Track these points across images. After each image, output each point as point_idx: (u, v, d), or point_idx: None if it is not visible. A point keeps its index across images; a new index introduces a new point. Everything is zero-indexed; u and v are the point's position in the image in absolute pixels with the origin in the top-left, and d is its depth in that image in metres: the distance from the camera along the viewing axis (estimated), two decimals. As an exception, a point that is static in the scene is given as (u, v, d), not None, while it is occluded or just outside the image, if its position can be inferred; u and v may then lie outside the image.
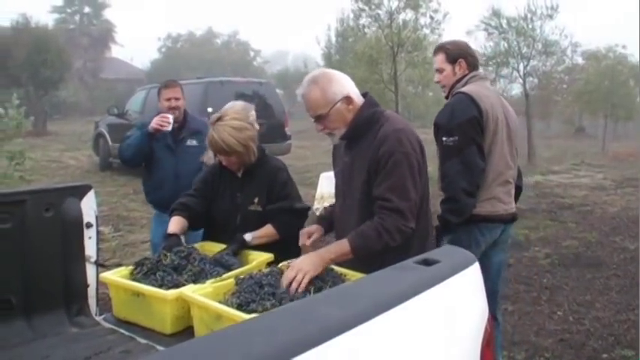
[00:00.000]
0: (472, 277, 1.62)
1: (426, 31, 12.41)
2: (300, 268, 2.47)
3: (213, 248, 3.09)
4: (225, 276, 2.75)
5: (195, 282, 2.73)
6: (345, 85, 2.69)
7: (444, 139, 3.35)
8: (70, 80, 31.34)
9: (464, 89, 3.45)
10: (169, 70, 36.58)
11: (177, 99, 4.57)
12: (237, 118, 3.10)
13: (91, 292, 2.97)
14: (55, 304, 2.83)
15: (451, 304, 1.52)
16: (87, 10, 41.90)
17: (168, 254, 2.92)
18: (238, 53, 49.56)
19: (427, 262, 1.56)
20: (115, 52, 45.88)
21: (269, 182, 3.13)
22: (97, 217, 2.98)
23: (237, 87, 12.30)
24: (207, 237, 3.35)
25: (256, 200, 3.15)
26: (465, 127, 3.30)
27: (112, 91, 36.19)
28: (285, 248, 2.98)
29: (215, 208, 3.25)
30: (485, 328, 1.63)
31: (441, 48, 3.64)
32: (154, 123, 4.42)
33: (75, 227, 2.87)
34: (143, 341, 2.63)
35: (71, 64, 27.59)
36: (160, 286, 2.72)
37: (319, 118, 2.69)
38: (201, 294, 2.57)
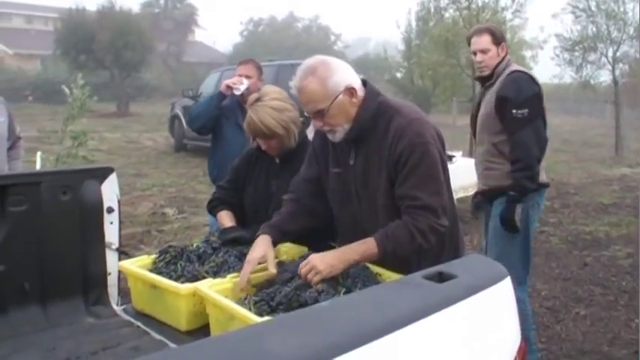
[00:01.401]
0: (500, 296, 1.30)
1: (507, 13, 11.78)
2: (314, 266, 2.22)
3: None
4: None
5: (215, 275, 2.52)
6: (346, 75, 2.35)
7: (513, 111, 3.56)
8: (153, 63, 32.02)
9: (520, 69, 3.74)
10: (250, 53, 36.74)
11: (248, 77, 4.34)
12: (277, 98, 2.85)
13: (112, 280, 2.81)
14: (72, 292, 2.68)
15: (466, 332, 1.20)
16: (172, -6, 42.67)
17: (194, 242, 2.73)
18: (319, 38, 49.40)
19: (441, 278, 1.26)
20: (198, 35, 46.67)
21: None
22: (119, 202, 2.81)
23: (309, 70, 12.03)
24: (242, 225, 3.12)
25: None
26: (533, 101, 3.58)
27: (194, 74, 36.78)
28: (322, 239, 2.70)
29: (247, 195, 3.02)
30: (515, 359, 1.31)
31: (487, 29, 3.78)
32: (227, 80, 4.26)
33: (94, 212, 2.71)
34: (157, 337, 2.44)
35: (153, 47, 28.11)
36: (179, 278, 2.51)
37: (319, 114, 2.35)
38: (218, 290, 2.35)
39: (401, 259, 2.36)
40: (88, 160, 7.21)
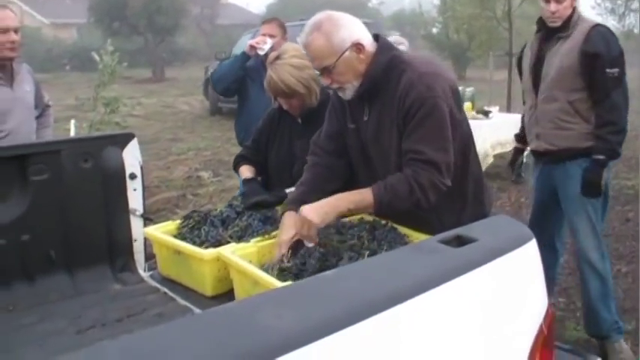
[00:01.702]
0: (525, 260, 1.21)
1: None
2: (305, 218, 2.20)
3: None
4: (273, 234, 2.46)
5: (240, 239, 2.48)
6: (354, 31, 2.26)
7: (607, 70, 3.35)
8: (187, 27, 31.96)
9: (600, 23, 3.58)
10: (284, 14, 36.39)
11: (271, 35, 4.23)
12: (297, 55, 2.76)
13: (138, 247, 2.79)
14: (98, 259, 2.67)
15: (486, 300, 1.12)
16: (203, -44, 42.28)
17: (218, 207, 2.69)
18: (353, -5, 48.53)
19: (460, 241, 1.17)
20: (231, -2, 46.33)
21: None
22: (142, 168, 2.77)
23: (341, 28, 11.81)
24: (265, 188, 3.08)
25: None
26: (621, 60, 3.40)
27: (229, 37, 36.60)
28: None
29: (271, 156, 2.96)
30: (541, 326, 1.22)
31: None
32: (251, 41, 4.19)
33: (117, 178, 2.68)
34: (182, 303, 2.43)
35: (186, 11, 28.04)
36: (202, 243, 2.48)
37: (326, 71, 2.28)
38: (242, 254, 2.31)
39: (419, 218, 2.31)
40: (121, 127, 7.24)
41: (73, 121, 6.55)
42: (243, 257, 2.30)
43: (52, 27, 35.38)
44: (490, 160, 7.47)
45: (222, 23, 40.60)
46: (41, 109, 4.10)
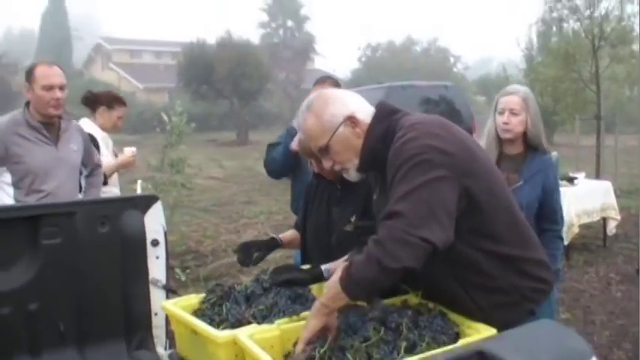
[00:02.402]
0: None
1: (634, 20, 10.75)
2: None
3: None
4: (302, 315, 2.15)
5: (264, 319, 2.17)
6: (346, 104, 2.09)
7: None
8: (273, 92, 32.68)
9: None
10: (369, 79, 36.77)
11: None
12: None
13: (159, 321, 2.53)
14: (113, 334, 2.42)
15: None
16: (290, 24, 43.54)
17: (245, 281, 2.39)
18: (438, 60, 48.57)
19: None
20: (318, 63, 47.25)
21: (367, 194, 2.43)
22: (165, 234, 2.53)
23: (420, 91, 11.53)
24: (304, 258, 2.79)
25: (353, 218, 2.50)
26: None
27: (313, 102, 37.10)
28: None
29: (309, 224, 2.68)
30: None
31: None
32: (295, 144, 4.01)
33: (137, 245, 2.45)
34: (196, 391, 2.12)
35: (272, 76, 28.74)
36: (222, 322, 2.19)
37: (323, 152, 2.11)
38: (261, 338, 2.00)
39: (450, 295, 2.05)
40: (185, 188, 7.17)
41: (139, 182, 6.51)
42: (263, 342, 1.99)
43: (145, 91, 37.09)
44: (575, 230, 6.90)
45: (307, 87, 41.28)
46: (91, 168, 3.99)
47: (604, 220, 7.67)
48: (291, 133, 4.27)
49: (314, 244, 2.66)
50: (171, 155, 6.92)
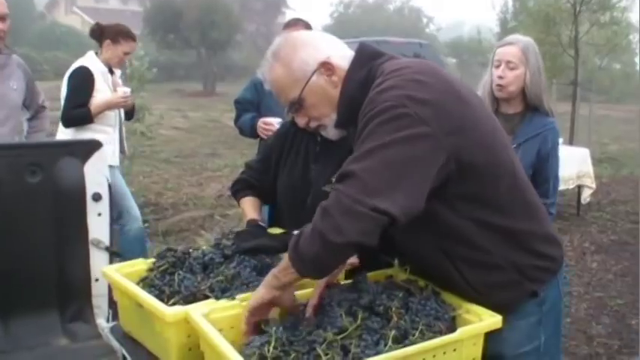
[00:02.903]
0: None
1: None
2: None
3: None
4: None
5: (223, 293, 1.81)
6: (319, 48, 1.77)
7: None
8: (243, 44, 31.90)
9: None
10: (341, 35, 36.05)
11: None
12: None
13: (100, 289, 2.15)
14: (43, 304, 2.05)
15: None
16: (265, -25, 42.41)
17: (202, 245, 2.03)
18: (411, 20, 48.02)
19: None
20: (289, 17, 46.29)
21: (352, 150, 2.05)
22: (109, 186, 2.13)
23: (394, 47, 11.18)
24: (274, 219, 2.42)
25: (334, 178, 2.13)
26: None
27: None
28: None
29: (281, 180, 2.30)
30: None
31: None
32: (260, 131, 3.80)
33: (74, 199, 2.05)
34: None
35: (241, 27, 27.94)
36: (173, 295, 1.83)
37: (295, 107, 1.79)
38: (219, 318, 1.66)
39: (439, 270, 1.73)
40: (146, 137, 6.71)
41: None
42: (221, 322, 1.65)
43: (109, 37, 35.76)
44: (550, 196, 6.67)
45: (277, 41, 40.54)
46: (34, 110, 3.56)
47: (578, 188, 7.48)
48: (256, 87, 3.90)
49: (286, 205, 2.29)
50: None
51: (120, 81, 4.42)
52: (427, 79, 1.60)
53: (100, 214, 2.13)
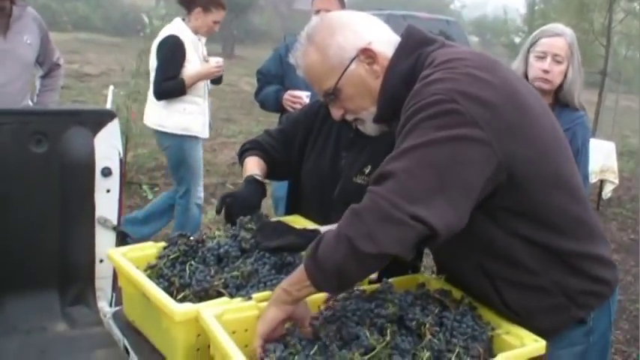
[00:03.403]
0: None
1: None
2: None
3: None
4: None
5: (238, 290, 1.65)
6: (359, 32, 1.57)
7: None
8: (264, 8, 31.50)
9: None
10: (366, 4, 35.70)
11: (327, 10, 3.41)
12: None
13: (104, 271, 2.00)
14: (42, 283, 1.90)
15: None
16: (289, -62, 41.75)
17: (218, 233, 1.85)
18: (436, -6, 47.31)
19: None
20: (313, -17, 45.66)
21: (392, 140, 1.85)
22: (121, 161, 1.96)
23: (421, 23, 10.94)
24: (295, 205, 2.23)
25: (368, 169, 1.94)
26: None
27: (305, 22, 35.97)
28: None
29: (307, 166, 2.11)
30: None
31: None
32: (285, 103, 3.61)
33: (82, 172, 1.89)
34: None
35: (263, -10, 27.52)
36: (184, 287, 1.68)
37: (330, 98, 1.61)
38: (232, 319, 1.50)
39: (474, 287, 1.56)
40: (161, 99, 6.51)
41: (111, 87, 5.87)
42: (235, 324, 1.49)
43: (131, -8, 35.40)
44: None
45: (300, 8, 40.02)
46: (48, 67, 3.38)
47: (600, 182, 7.27)
48: (281, 60, 3.71)
49: (311, 192, 2.10)
50: (149, 62, 6.22)
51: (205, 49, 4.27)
52: (485, 75, 1.40)
53: (108, 191, 1.96)
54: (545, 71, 2.58)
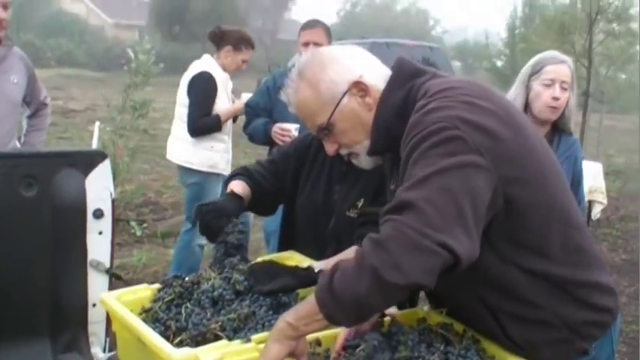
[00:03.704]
0: None
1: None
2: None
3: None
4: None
5: (235, 333, 1.61)
6: (349, 66, 1.57)
7: None
8: (248, 39, 31.75)
9: None
10: (346, 34, 36.12)
11: (316, 44, 3.42)
12: None
13: (97, 315, 1.95)
14: (34, 330, 1.84)
15: None
16: (269, -30, 42.23)
17: (212, 276, 1.81)
18: (417, 21, 47.91)
19: None
20: (295, 14, 46.11)
21: (382, 172, 1.83)
22: (113, 202, 1.93)
23: (404, 50, 10.99)
24: (285, 243, 2.21)
25: (360, 202, 1.92)
26: None
27: (289, 52, 36.36)
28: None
29: (300, 201, 2.09)
30: None
31: None
32: (274, 136, 3.55)
33: (73, 215, 1.85)
34: None
35: (248, 22, 27.78)
36: (178, 332, 1.63)
37: (323, 133, 1.60)
38: (231, 365, 1.45)
39: (468, 319, 1.54)
40: (149, 135, 6.51)
41: (97, 124, 5.83)
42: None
43: (114, 27, 35.51)
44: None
45: (283, 38, 40.38)
46: (35, 107, 3.35)
47: (589, 203, 7.28)
48: (269, 92, 3.69)
49: (305, 226, 2.08)
50: (135, 97, 6.23)
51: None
52: (480, 101, 1.40)
53: (100, 233, 1.93)
54: (556, 98, 2.55)
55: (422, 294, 1.79)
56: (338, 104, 1.54)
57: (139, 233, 5.92)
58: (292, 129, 3.44)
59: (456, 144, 1.32)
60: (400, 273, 1.23)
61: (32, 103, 3.32)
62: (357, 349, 1.45)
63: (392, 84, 1.55)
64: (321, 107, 1.56)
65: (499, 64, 28.18)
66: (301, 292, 1.79)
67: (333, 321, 1.35)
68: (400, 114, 1.49)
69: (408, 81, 1.54)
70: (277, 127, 3.52)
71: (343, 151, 1.63)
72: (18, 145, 3.16)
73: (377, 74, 1.57)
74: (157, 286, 1.84)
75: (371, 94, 1.54)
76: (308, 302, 1.36)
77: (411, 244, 1.24)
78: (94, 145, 5.24)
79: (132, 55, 6.12)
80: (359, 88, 1.54)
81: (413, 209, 1.27)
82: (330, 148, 1.62)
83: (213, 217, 1.86)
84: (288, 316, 1.38)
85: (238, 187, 2.01)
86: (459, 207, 1.28)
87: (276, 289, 1.66)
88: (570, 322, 1.50)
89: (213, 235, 1.87)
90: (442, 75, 1.58)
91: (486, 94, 1.46)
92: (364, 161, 1.63)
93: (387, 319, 1.61)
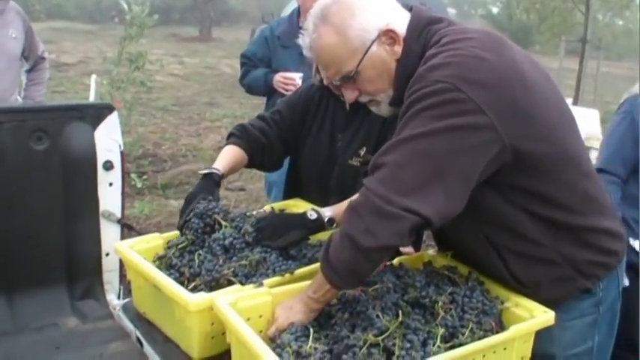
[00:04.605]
0: None
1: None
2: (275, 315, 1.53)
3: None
4: (297, 273, 1.66)
5: (246, 279, 1.67)
6: (378, 12, 1.51)
7: None
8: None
9: None
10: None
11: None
12: None
13: (110, 264, 2.00)
14: (51, 280, 1.90)
15: None
16: None
17: (224, 223, 1.84)
18: (411, -33, 47.13)
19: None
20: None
21: (385, 121, 1.87)
22: (122, 154, 1.96)
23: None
24: (290, 192, 2.24)
25: (363, 151, 1.95)
26: None
27: (281, 1, 35.78)
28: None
29: (305, 151, 2.11)
30: None
31: None
32: (277, 85, 3.47)
33: (84, 167, 1.89)
34: (155, 365, 1.63)
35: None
36: (194, 277, 1.70)
37: (347, 80, 1.54)
38: (247, 307, 1.51)
39: (474, 259, 1.61)
40: (145, 86, 6.47)
41: (94, 77, 5.79)
42: (250, 311, 1.51)
43: (103, -23, 34.82)
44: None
45: (275, -13, 39.70)
46: (33, 61, 3.34)
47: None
48: (267, 42, 3.63)
49: (311, 177, 2.11)
50: (130, 49, 6.16)
51: None
52: (491, 56, 1.39)
53: (111, 184, 1.97)
54: None
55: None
56: (366, 52, 1.50)
57: (139, 185, 5.94)
58: (297, 77, 3.42)
59: (453, 106, 1.33)
60: (373, 237, 1.31)
61: (30, 57, 3.31)
62: (371, 288, 1.50)
63: (412, 31, 1.53)
64: (350, 54, 1.51)
65: (495, 10, 27.88)
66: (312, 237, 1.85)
67: (340, 288, 1.45)
68: (418, 62, 1.48)
69: (425, 28, 1.53)
70: (280, 76, 3.49)
71: (364, 99, 1.60)
72: (19, 99, 3.17)
73: (402, 22, 1.54)
74: (168, 234, 1.89)
75: (399, 42, 1.51)
76: (319, 275, 1.45)
77: (378, 211, 1.31)
78: (91, 98, 5.22)
79: (125, 6, 6.03)
80: (388, 35, 1.51)
81: (383, 174, 1.34)
82: (350, 95, 1.59)
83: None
84: (309, 292, 1.48)
85: (224, 160, 1.99)
86: (438, 169, 1.33)
87: (285, 245, 1.72)
88: (574, 260, 1.54)
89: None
90: (457, 23, 1.58)
91: (500, 46, 1.45)
92: (385, 110, 1.61)
93: (395, 261, 1.68)
